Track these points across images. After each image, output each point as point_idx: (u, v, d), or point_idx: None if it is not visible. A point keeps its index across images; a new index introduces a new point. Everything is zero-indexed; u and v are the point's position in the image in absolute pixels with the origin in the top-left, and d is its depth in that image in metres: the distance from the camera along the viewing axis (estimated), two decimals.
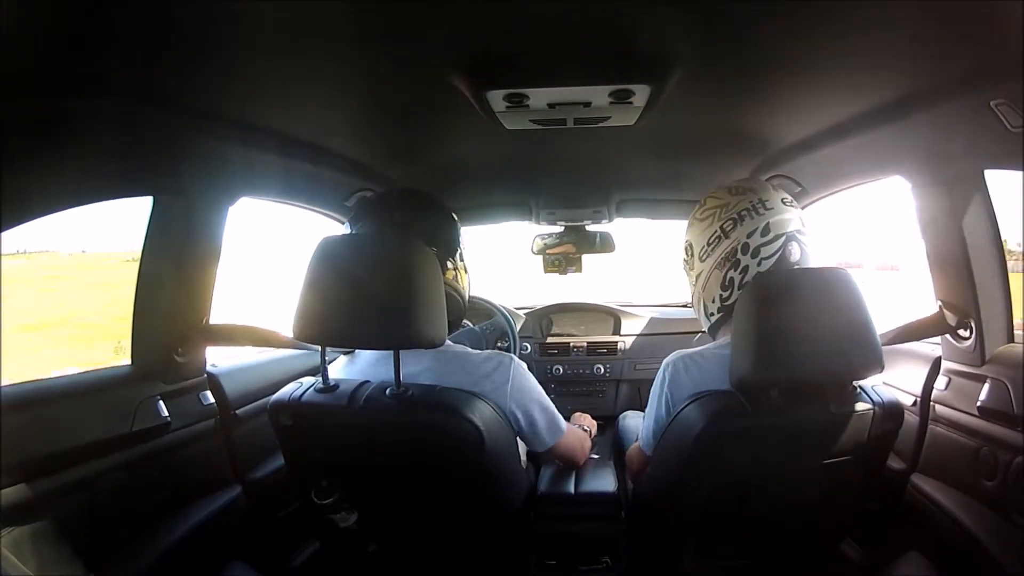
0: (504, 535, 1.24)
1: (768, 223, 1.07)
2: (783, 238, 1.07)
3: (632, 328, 2.31)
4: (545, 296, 2.51)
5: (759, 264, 1.07)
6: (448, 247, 1.15)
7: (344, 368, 1.15)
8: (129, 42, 0.80)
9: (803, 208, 1.77)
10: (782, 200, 1.11)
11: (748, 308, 0.97)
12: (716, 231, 1.12)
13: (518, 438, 1.16)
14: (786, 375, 0.94)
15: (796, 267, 1.07)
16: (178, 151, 1.12)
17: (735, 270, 1.09)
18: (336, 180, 1.60)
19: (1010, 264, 1.21)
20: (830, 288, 0.97)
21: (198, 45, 0.84)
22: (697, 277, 1.18)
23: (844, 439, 1.02)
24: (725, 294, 1.12)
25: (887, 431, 1.02)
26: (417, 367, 1.07)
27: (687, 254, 1.21)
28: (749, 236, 1.08)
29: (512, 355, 1.14)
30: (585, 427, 1.52)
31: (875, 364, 0.96)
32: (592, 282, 2.42)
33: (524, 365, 1.14)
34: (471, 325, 2.21)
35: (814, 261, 1.09)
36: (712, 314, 1.17)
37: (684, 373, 1.09)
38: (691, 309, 1.26)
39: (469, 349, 1.14)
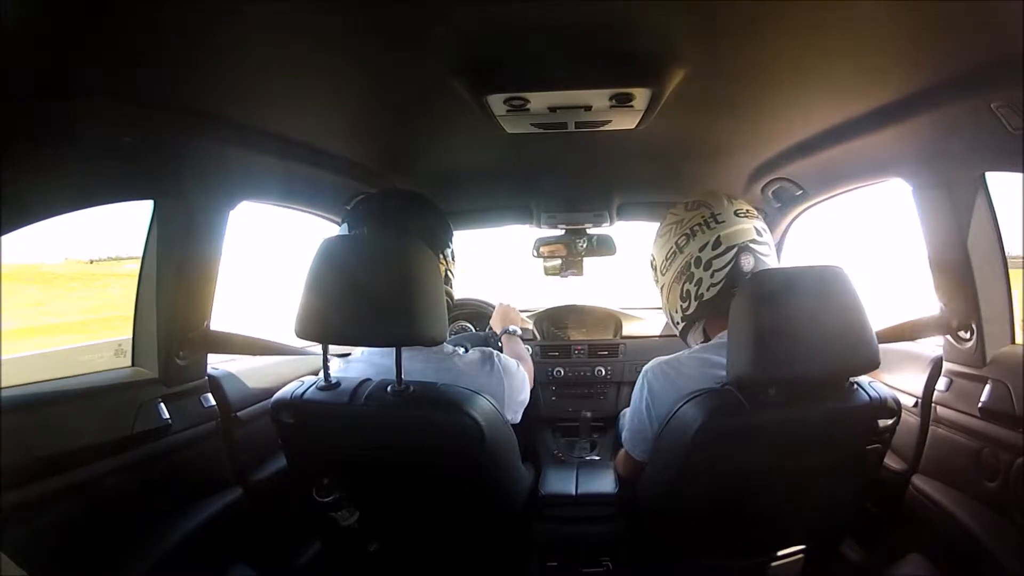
0: (505, 535, 1.24)
1: (719, 236, 1.12)
2: (735, 250, 1.11)
3: (633, 330, 2.31)
4: (546, 298, 2.51)
5: (712, 276, 1.11)
6: (439, 246, 1.18)
7: (343, 369, 1.15)
8: (129, 44, 0.81)
9: (803, 210, 1.78)
10: (735, 212, 1.14)
11: (745, 306, 0.97)
12: (672, 246, 1.17)
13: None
14: (784, 372, 0.94)
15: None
16: (179, 155, 1.12)
17: (690, 283, 1.14)
18: (337, 184, 1.60)
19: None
20: (826, 286, 0.97)
21: (199, 48, 0.84)
22: (661, 289, 1.24)
23: (842, 435, 1.02)
24: (684, 304, 1.17)
25: (884, 427, 1.03)
26: (411, 367, 1.07)
27: (651, 267, 1.27)
28: (701, 250, 1.13)
29: (493, 350, 1.18)
30: (511, 329, 1.60)
31: (871, 361, 0.97)
32: (593, 284, 2.42)
33: (505, 357, 1.18)
34: (473, 329, 2.21)
35: (772, 266, 1.13)
36: (678, 323, 1.23)
37: (663, 379, 1.12)
38: None
39: (459, 350, 1.16)
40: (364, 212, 1.18)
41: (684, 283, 1.15)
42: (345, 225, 1.18)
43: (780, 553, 1.21)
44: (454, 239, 1.27)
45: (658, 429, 1.07)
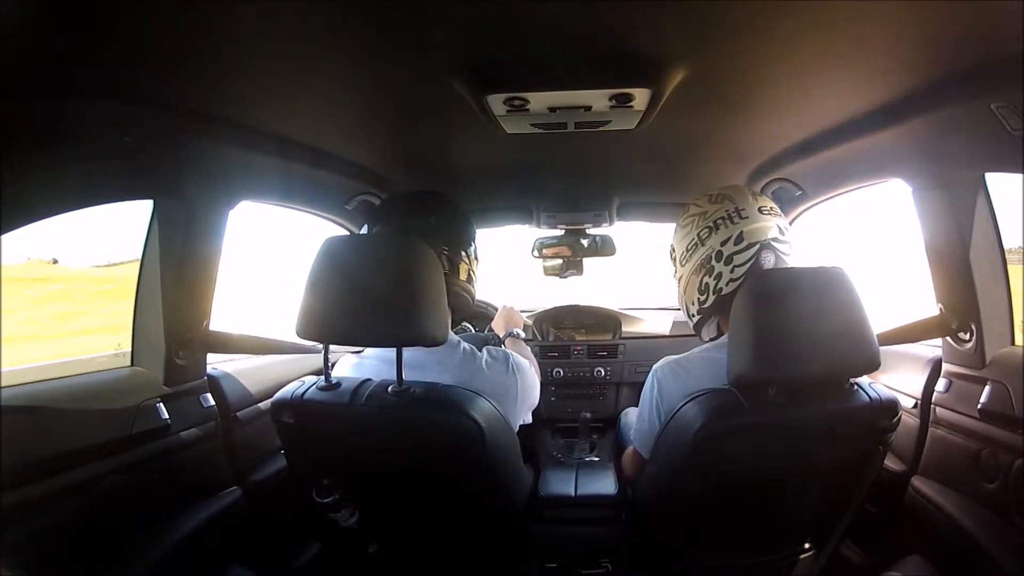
0: (504, 536, 1.24)
1: (742, 232, 1.10)
2: (756, 247, 1.09)
3: (633, 330, 2.30)
4: (546, 298, 2.51)
5: (732, 271, 1.10)
6: (461, 244, 1.19)
7: (350, 369, 1.15)
8: (129, 44, 0.81)
9: (803, 211, 1.78)
10: (759, 209, 1.13)
11: (746, 306, 0.97)
12: (694, 238, 1.16)
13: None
14: (784, 372, 0.94)
15: None
16: (179, 154, 1.12)
17: (710, 276, 1.13)
18: (336, 184, 1.60)
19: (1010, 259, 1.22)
20: (827, 287, 0.97)
21: (199, 48, 0.84)
22: (679, 280, 1.23)
23: (842, 435, 1.02)
24: (703, 298, 1.16)
25: (884, 428, 1.03)
26: (429, 364, 1.08)
27: (671, 258, 1.26)
28: (723, 244, 1.11)
29: (509, 351, 1.18)
30: (515, 332, 1.59)
31: (872, 362, 0.97)
32: (593, 284, 2.42)
33: (518, 357, 1.18)
34: (472, 329, 2.21)
35: (793, 265, 1.11)
36: (693, 315, 1.21)
37: (673, 379, 1.12)
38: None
39: (475, 349, 1.16)
40: (380, 214, 1.18)
41: (703, 276, 1.14)
42: (365, 228, 1.18)
43: (780, 553, 1.21)
44: (476, 237, 1.26)
45: (660, 428, 1.07)
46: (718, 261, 1.11)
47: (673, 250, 1.24)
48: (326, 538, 1.30)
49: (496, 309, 2.13)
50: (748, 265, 1.09)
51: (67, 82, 0.85)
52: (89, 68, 0.84)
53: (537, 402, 1.25)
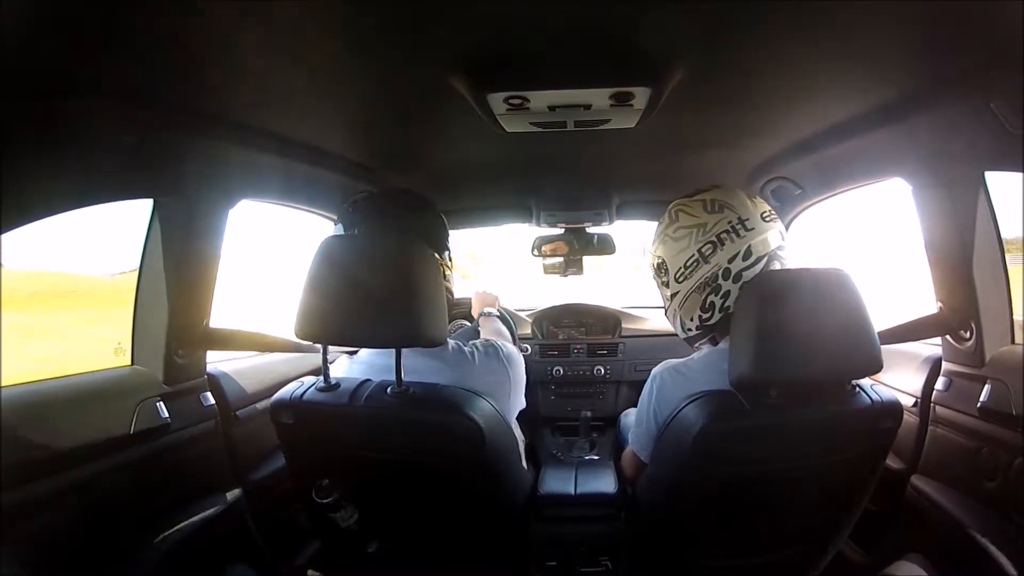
0: (504, 535, 1.24)
1: (750, 246, 1.05)
2: (765, 259, 1.06)
3: (633, 329, 2.31)
4: (546, 297, 2.51)
5: (740, 288, 1.06)
6: (438, 245, 1.18)
7: (346, 369, 1.15)
8: (129, 44, 0.81)
9: (803, 210, 1.78)
10: (762, 215, 1.08)
11: (748, 308, 0.97)
12: (694, 255, 1.09)
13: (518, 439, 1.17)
14: (785, 374, 0.94)
15: None
16: (178, 153, 1.12)
17: (716, 294, 1.08)
18: (336, 182, 1.60)
19: (1010, 259, 1.22)
20: (829, 288, 0.97)
21: (198, 48, 0.84)
22: (673, 296, 1.15)
23: (843, 438, 1.02)
24: (706, 316, 1.11)
25: (886, 429, 1.03)
26: (421, 365, 1.08)
27: (660, 271, 1.17)
28: (731, 261, 1.06)
29: (495, 341, 1.17)
30: (486, 311, 1.57)
31: (873, 363, 0.96)
32: (593, 283, 2.42)
33: (507, 346, 1.18)
34: (469, 325, 2.21)
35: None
36: (690, 330, 1.16)
37: (672, 384, 1.10)
38: None
39: (464, 347, 1.15)
40: (365, 211, 1.17)
41: (708, 294, 1.08)
42: (340, 225, 1.17)
43: (781, 554, 1.21)
44: (451, 240, 1.26)
45: (660, 430, 1.07)
46: (726, 279, 1.06)
47: (663, 263, 1.15)
48: (326, 538, 1.30)
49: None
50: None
51: (67, 82, 0.85)
52: (89, 68, 0.84)
53: (525, 380, 1.23)
